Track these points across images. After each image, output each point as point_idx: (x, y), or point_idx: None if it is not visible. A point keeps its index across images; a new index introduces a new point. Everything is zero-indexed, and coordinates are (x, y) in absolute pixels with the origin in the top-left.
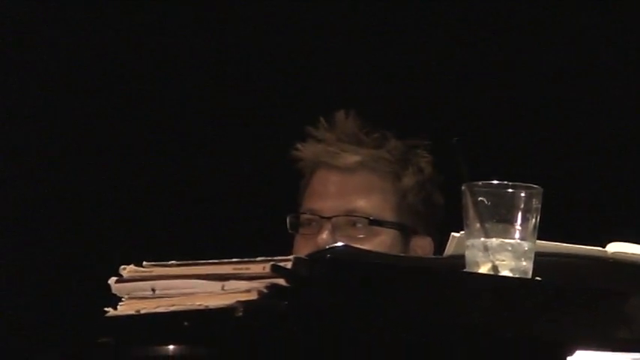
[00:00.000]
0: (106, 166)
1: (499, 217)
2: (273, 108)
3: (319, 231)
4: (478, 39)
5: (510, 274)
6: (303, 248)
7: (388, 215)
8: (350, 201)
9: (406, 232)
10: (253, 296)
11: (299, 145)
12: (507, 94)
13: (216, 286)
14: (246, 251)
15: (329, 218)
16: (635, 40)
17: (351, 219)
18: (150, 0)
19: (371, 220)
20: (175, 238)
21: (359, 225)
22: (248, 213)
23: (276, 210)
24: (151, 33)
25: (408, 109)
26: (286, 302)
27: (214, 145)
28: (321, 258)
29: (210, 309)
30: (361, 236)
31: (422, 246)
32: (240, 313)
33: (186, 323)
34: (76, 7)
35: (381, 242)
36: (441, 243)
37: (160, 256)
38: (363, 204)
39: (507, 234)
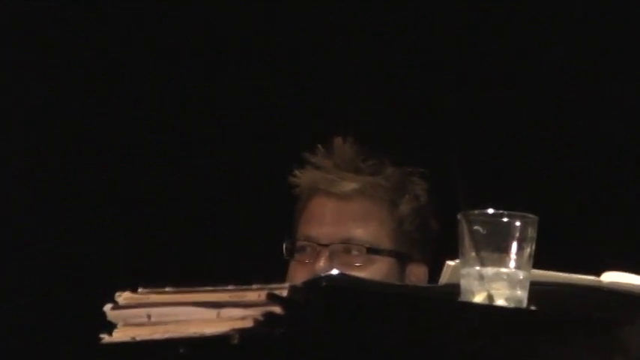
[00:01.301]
0: (99, 193)
1: (494, 246)
2: (270, 133)
3: (316, 258)
4: (472, 68)
5: (505, 303)
6: (298, 275)
7: (385, 243)
8: (347, 228)
9: (402, 259)
10: (249, 324)
11: (296, 172)
12: (503, 123)
13: (211, 313)
14: (242, 277)
15: (326, 245)
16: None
17: (348, 247)
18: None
19: (368, 248)
20: (171, 265)
21: (355, 253)
22: (244, 238)
23: (271, 235)
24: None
25: (403, 135)
26: (282, 330)
27: (212, 172)
28: (316, 286)
29: (206, 336)
30: (358, 264)
31: (417, 273)
32: (236, 341)
33: (181, 350)
34: (76, 6)
35: (377, 270)
36: (434, 270)
37: (155, 282)
38: (360, 232)
39: (502, 263)
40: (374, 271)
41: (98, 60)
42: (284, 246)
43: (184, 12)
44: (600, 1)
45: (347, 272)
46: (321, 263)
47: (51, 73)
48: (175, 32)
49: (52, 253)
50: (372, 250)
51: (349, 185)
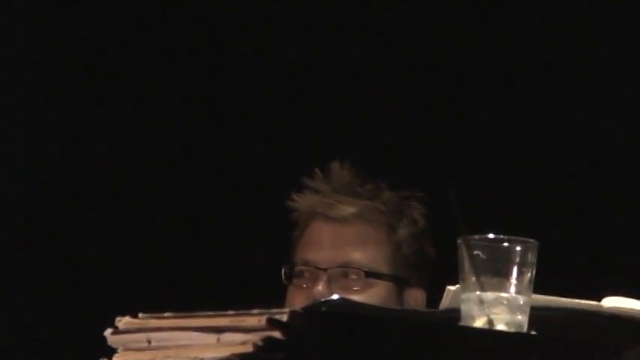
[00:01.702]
0: (99, 217)
1: (495, 271)
2: (266, 158)
3: (315, 282)
4: (468, 89)
5: (506, 328)
6: (297, 300)
7: (383, 267)
8: (345, 253)
9: (400, 284)
10: (249, 349)
11: (294, 196)
12: (503, 146)
13: (211, 338)
14: (242, 302)
15: (324, 270)
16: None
17: (346, 271)
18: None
19: (366, 272)
20: (171, 289)
21: (354, 277)
22: (243, 262)
23: (270, 260)
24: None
25: (400, 159)
26: (282, 355)
27: (213, 195)
28: (316, 311)
29: None
30: (356, 288)
31: (415, 298)
32: None
33: None
34: (76, 6)
35: (376, 294)
36: (432, 295)
37: (155, 307)
38: (358, 256)
39: (503, 288)
40: (372, 295)
41: (97, 63)
42: (282, 271)
43: (180, 23)
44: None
45: (346, 297)
46: (320, 287)
47: (49, 73)
48: (174, 41)
49: (51, 270)
50: (371, 274)
51: (347, 209)
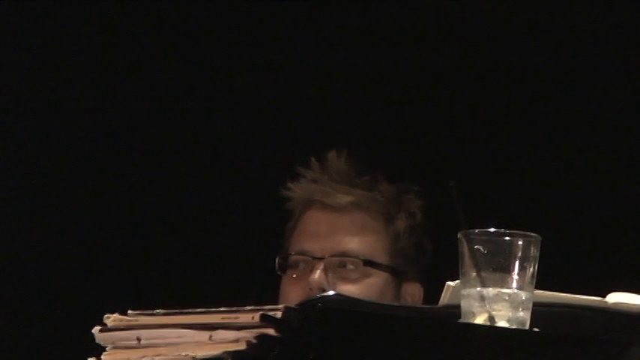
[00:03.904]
0: (87, 214)
1: (496, 266)
2: (261, 148)
3: (311, 271)
4: (470, 85)
5: (507, 325)
6: (292, 292)
7: (381, 257)
8: (343, 241)
9: (398, 276)
10: (242, 346)
11: (290, 184)
12: (505, 139)
13: (203, 335)
14: (234, 295)
15: (321, 259)
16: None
17: (343, 259)
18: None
19: (364, 260)
20: (162, 286)
21: (351, 267)
22: (235, 256)
23: (261, 251)
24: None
25: (398, 153)
26: (276, 353)
27: (200, 190)
28: (312, 307)
29: (198, 359)
30: (354, 277)
31: (412, 293)
32: None
33: None
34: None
35: (373, 285)
36: (430, 291)
37: (145, 304)
38: (356, 244)
39: (504, 283)
40: (370, 286)
41: (97, 62)
42: (276, 261)
43: (172, 21)
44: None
45: (342, 286)
46: (316, 276)
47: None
48: (168, 39)
49: (37, 267)
50: (369, 263)
51: (345, 198)
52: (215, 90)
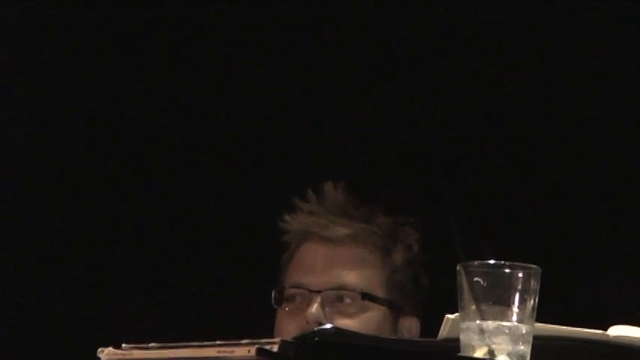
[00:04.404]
0: (82, 229)
1: (495, 299)
2: (256, 179)
3: (308, 305)
4: (467, 112)
5: (507, 359)
6: (288, 325)
7: (379, 291)
8: (340, 275)
9: (395, 310)
10: None
11: (286, 217)
12: (502, 169)
13: None
14: (229, 331)
15: (318, 292)
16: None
17: (341, 293)
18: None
19: (363, 294)
20: (156, 319)
21: (348, 300)
22: (231, 289)
23: (258, 284)
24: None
25: (393, 184)
26: None
27: (197, 218)
28: (309, 340)
29: None
30: (351, 312)
31: (409, 327)
32: None
33: None
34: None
35: (371, 319)
36: (427, 325)
37: (139, 337)
38: (353, 278)
39: (504, 316)
40: (367, 320)
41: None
42: (272, 295)
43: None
44: None
45: (340, 321)
46: (313, 310)
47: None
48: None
49: (30, 298)
50: (367, 297)
51: (342, 230)
52: (217, 104)
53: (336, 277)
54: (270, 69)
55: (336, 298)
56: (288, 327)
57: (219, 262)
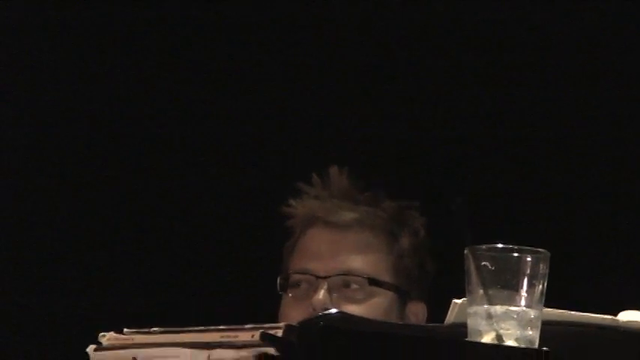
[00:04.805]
0: (82, 228)
1: (503, 283)
2: (256, 179)
3: (314, 291)
4: (471, 97)
5: (515, 344)
6: (293, 312)
7: (385, 276)
8: (347, 260)
9: (402, 296)
10: None
11: (292, 202)
12: (511, 153)
13: (202, 355)
14: (233, 315)
15: (324, 278)
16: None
17: (348, 279)
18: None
19: (370, 279)
20: (159, 304)
21: (355, 286)
22: (234, 274)
23: (261, 271)
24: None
25: (400, 169)
26: None
27: (199, 205)
28: (314, 325)
29: None
30: (358, 298)
31: (416, 312)
32: None
33: None
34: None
35: (378, 304)
36: (433, 311)
37: (142, 322)
38: (360, 263)
39: (512, 301)
40: (374, 305)
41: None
42: (278, 281)
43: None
44: None
45: (346, 307)
46: (320, 296)
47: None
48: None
49: (30, 284)
50: (374, 282)
51: (348, 215)
52: (217, 104)
53: (342, 263)
54: (270, 69)
55: (343, 283)
56: (293, 313)
57: (219, 262)
